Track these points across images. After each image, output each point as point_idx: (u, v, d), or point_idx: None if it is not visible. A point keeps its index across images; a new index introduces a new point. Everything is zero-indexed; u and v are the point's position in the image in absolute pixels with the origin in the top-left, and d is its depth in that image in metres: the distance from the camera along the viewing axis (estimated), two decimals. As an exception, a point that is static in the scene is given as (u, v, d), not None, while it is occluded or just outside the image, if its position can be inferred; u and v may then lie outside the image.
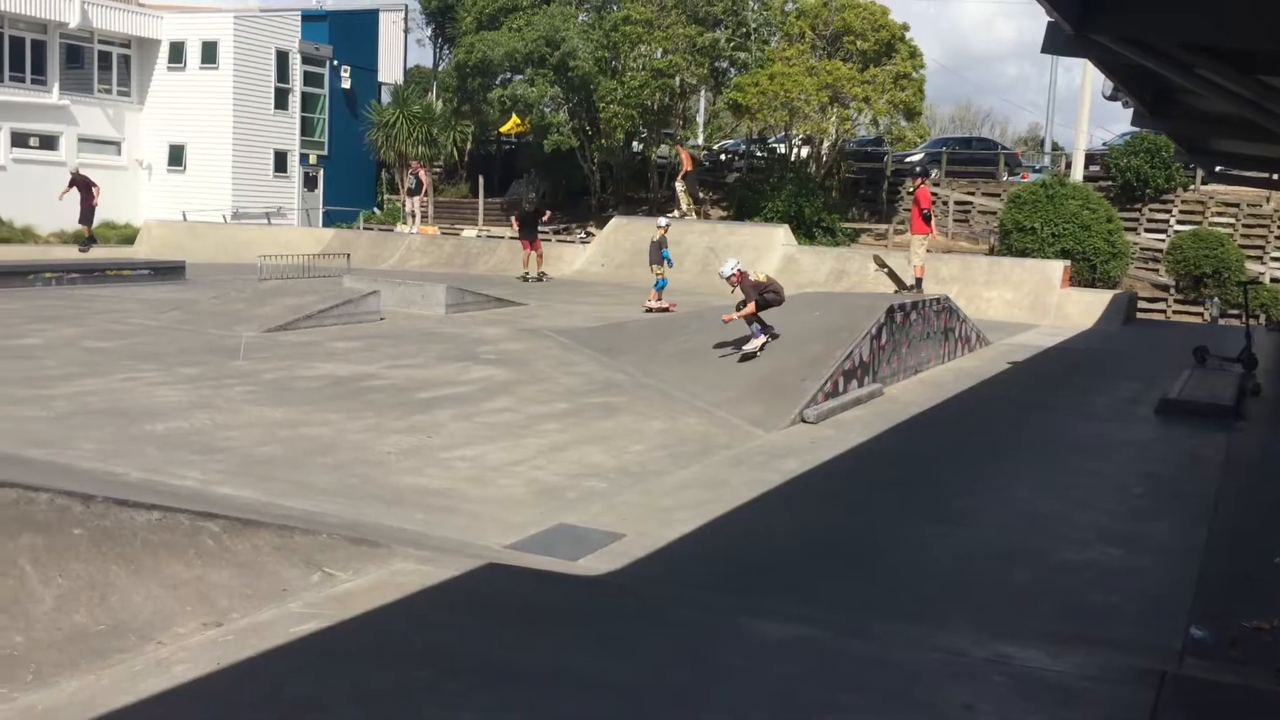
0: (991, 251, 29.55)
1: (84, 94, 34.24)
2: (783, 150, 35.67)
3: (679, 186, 30.16)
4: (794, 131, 33.37)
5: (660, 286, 19.73)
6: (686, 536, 6.96)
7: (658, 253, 20.16)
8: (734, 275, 12.27)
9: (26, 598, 4.29)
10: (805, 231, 29.96)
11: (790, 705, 4.16)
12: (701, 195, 30.47)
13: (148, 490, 6.40)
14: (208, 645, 4.40)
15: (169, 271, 22.72)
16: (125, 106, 35.51)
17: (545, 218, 25.14)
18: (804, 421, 10.61)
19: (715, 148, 40.40)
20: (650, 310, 18.80)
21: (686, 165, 29.72)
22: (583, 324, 16.66)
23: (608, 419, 10.41)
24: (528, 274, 24.13)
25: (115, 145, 35.26)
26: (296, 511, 6.72)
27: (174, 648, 4.35)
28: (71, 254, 25.69)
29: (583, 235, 31.87)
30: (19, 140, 32.22)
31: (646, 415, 10.66)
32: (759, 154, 37.12)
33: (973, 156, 38.61)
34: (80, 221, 27.94)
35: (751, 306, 12.04)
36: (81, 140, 33.98)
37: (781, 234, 26.49)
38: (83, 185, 26.93)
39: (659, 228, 21.02)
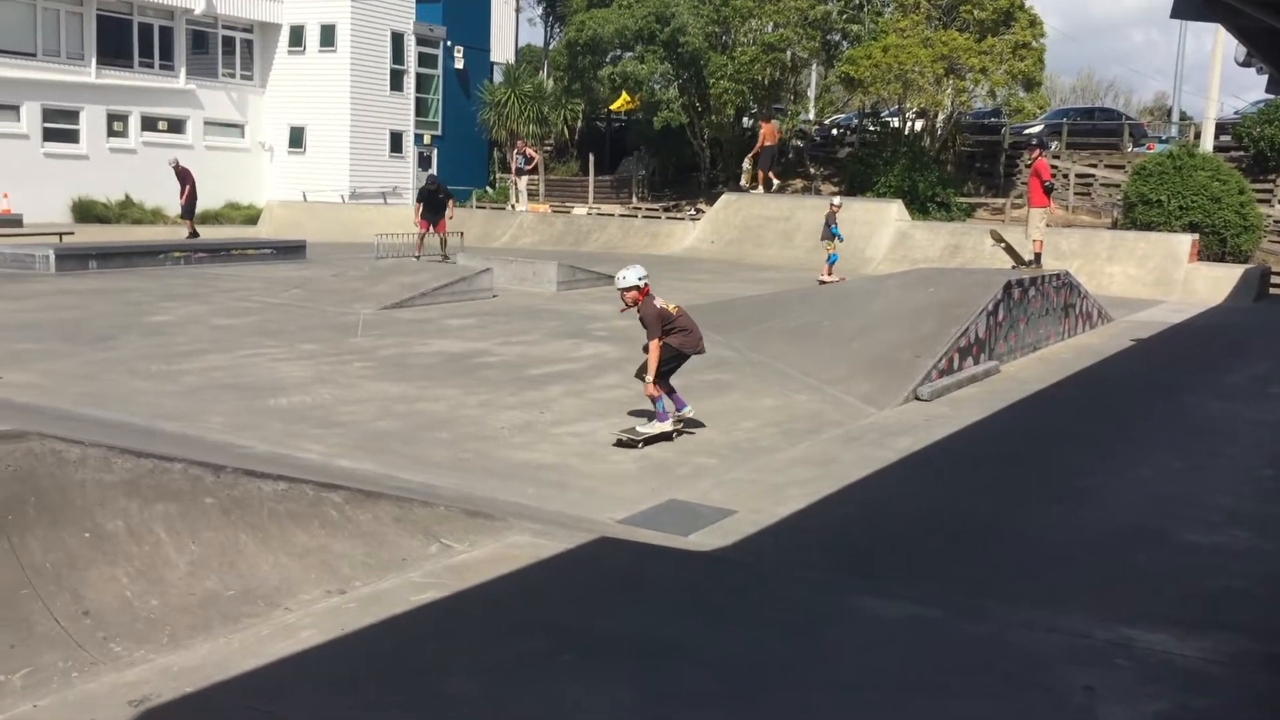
0: (1114, 225, 28.61)
1: (209, 78, 35.30)
2: (896, 124, 35.03)
3: (745, 165, 29.92)
4: (908, 104, 32.73)
5: (831, 261, 20.61)
6: (798, 513, 6.92)
7: (827, 229, 20.88)
8: (630, 292, 8.46)
9: (162, 563, 4.48)
10: (919, 207, 29.40)
11: (903, 685, 4.12)
12: (773, 177, 29.96)
13: (272, 462, 6.61)
14: (332, 612, 4.54)
15: (290, 250, 23.35)
16: (248, 90, 36.53)
17: (451, 205, 22.26)
18: (918, 399, 10.45)
19: (826, 122, 39.89)
20: (822, 284, 19.20)
21: (765, 140, 29.43)
22: (693, 301, 16.62)
23: (718, 396, 10.39)
24: (418, 256, 21.73)
25: (239, 128, 36.31)
26: (414, 484, 6.87)
27: (300, 613, 4.50)
28: (201, 233, 26.40)
29: (692, 212, 31.77)
30: (148, 124, 33.39)
31: (757, 392, 10.62)
32: (871, 128, 36.49)
33: (1095, 127, 37.39)
34: (183, 216, 26.40)
35: (655, 346, 8.37)
36: (207, 124, 35.07)
37: (895, 209, 26.07)
38: (182, 176, 25.50)
39: (831, 205, 21.51)
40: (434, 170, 22.40)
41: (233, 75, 36.26)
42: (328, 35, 36.10)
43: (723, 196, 29.39)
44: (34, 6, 30.62)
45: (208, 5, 34.17)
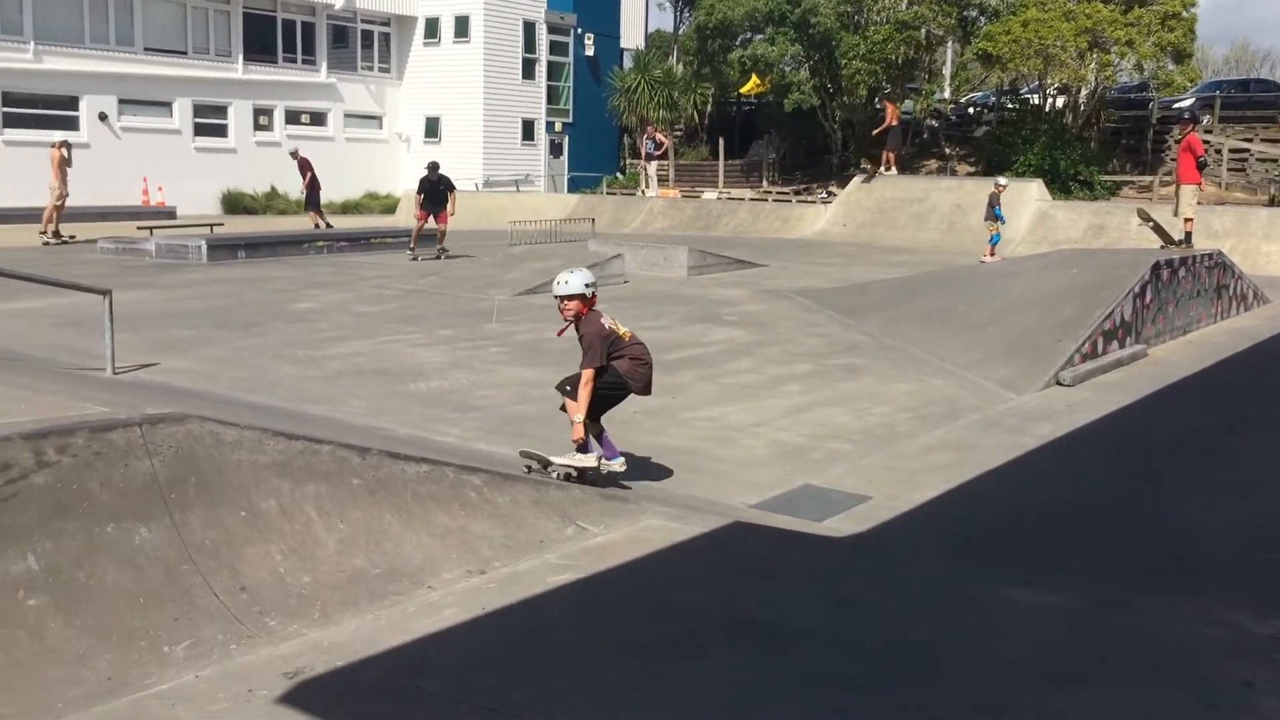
0: (1272, 202, 27.27)
1: (348, 72, 36.32)
2: (1035, 101, 34.00)
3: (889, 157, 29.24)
4: (1048, 80, 31.73)
5: (994, 242, 20.45)
6: (934, 500, 6.81)
7: (990, 210, 20.69)
8: (572, 301, 6.79)
9: (313, 542, 4.65)
10: (1060, 186, 28.52)
11: (1047, 675, 4.02)
12: (893, 159, 29.27)
13: (413, 444, 6.78)
14: (473, 591, 4.65)
15: (426, 240, 23.87)
16: (386, 82, 37.46)
17: (452, 196, 20.42)
18: (1059, 384, 10.15)
19: (962, 100, 38.94)
20: (983, 264, 18.95)
21: (890, 120, 28.80)
22: (824, 285, 16.48)
23: (851, 380, 10.28)
24: (413, 249, 20.46)
25: (377, 120, 37.28)
26: (549, 467, 6.97)
27: (442, 592, 4.62)
28: (340, 224, 27.19)
29: (824, 195, 31.41)
30: (292, 118, 34.53)
31: (891, 377, 10.46)
32: (1010, 105, 35.51)
33: (1250, 100, 35.62)
34: (306, 207, 26.02)
35: (588, 376, 6.62)
36: (347, 116, 36.11)
37: (1035, 189, 25.32)
38: (302, 166, 25.22)
39: (996, 185, 21.28)
40: (437, 160, 20.60)
41: (371, 68, 37.23)
42: (462, 26, 36.75)
43: (855, 179, 29.00)
44: (184, 6, 31.94)
45: (347, 1, 35.13)
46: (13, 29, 27.98)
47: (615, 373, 6.79)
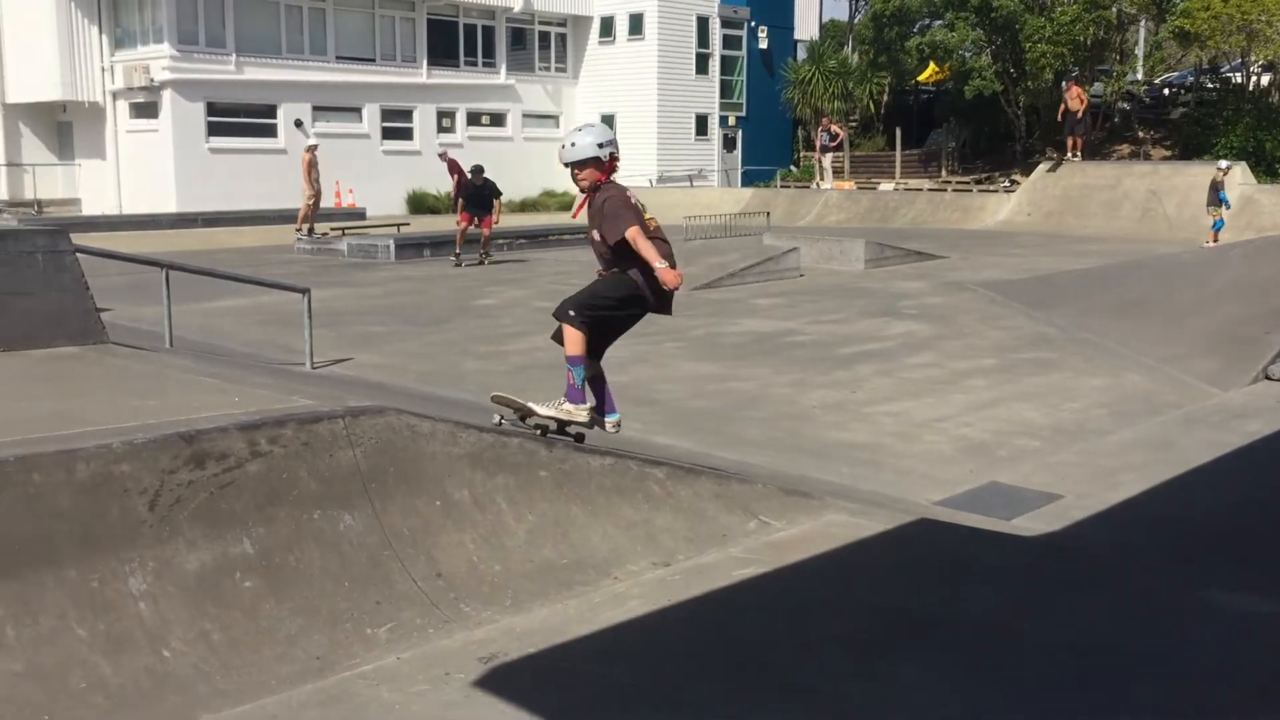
0: None
1: (526, 72, 37.12)
2: (1238, 80, 32.10)
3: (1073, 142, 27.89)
4: (1252, 58, 29.92)
5: (1218, 228, 19.90)
6: (1132, 499, 6.53)
7: (1215, 195, 20.20)
8: (587, 169, 5.54)
9: (503, 531, 4.79)
10: (1265, 169, 26.86)
11: (1259, 690, 3.80)
12: (1076, 144, 27.83)
13: (594, 438, 6.89)
14: (657, 583, 4.70)
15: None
16: (562, 82, 38.13)
17: (497, 204, 19.79)
18: (1269, 379, 9.58)
19: (1156, 82, 37.10)
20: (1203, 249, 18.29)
21: (1071, 105, 27.37)
22: (1008, 276, 15.99)
23: (1039, 375, 9.94)
24: (459, 255, 19.67)
25: (554, 119, 37.98)
26: (728, 462, 6.98)
27: (628, 583, 4.69)
28: (519, 222, 27.74)
29: (1006, 184, 30.42)
30: (473, 119, 35.53)
31: (1082, 371, 10.07)
32: (1209, 85, 33.63)
33: None
34: (454, 208, 25.37)
35: (636, 232, 5.36)
36: (525, 116, 36.92)
37: (1237, 173, 23.93)
38: (451, 168, 25.28)
39: (1219, 169, 20.70)
40: (481, 163, 19.72)
41: (548, 68, 37.95)
42: (636, 24, 37.08)
43: (1040, 166, 27.99)
44: (373, 15, 33.24)
45: (525, 3, 35.91)
46: (216, 42, 29.66)
47: (630, 283, 5.45)
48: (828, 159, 32.57)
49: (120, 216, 27.67)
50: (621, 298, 5.54)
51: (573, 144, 5.49)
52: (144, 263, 10.39)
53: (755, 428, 8.33)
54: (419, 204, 33.00)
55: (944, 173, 34.54)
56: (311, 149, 23.91)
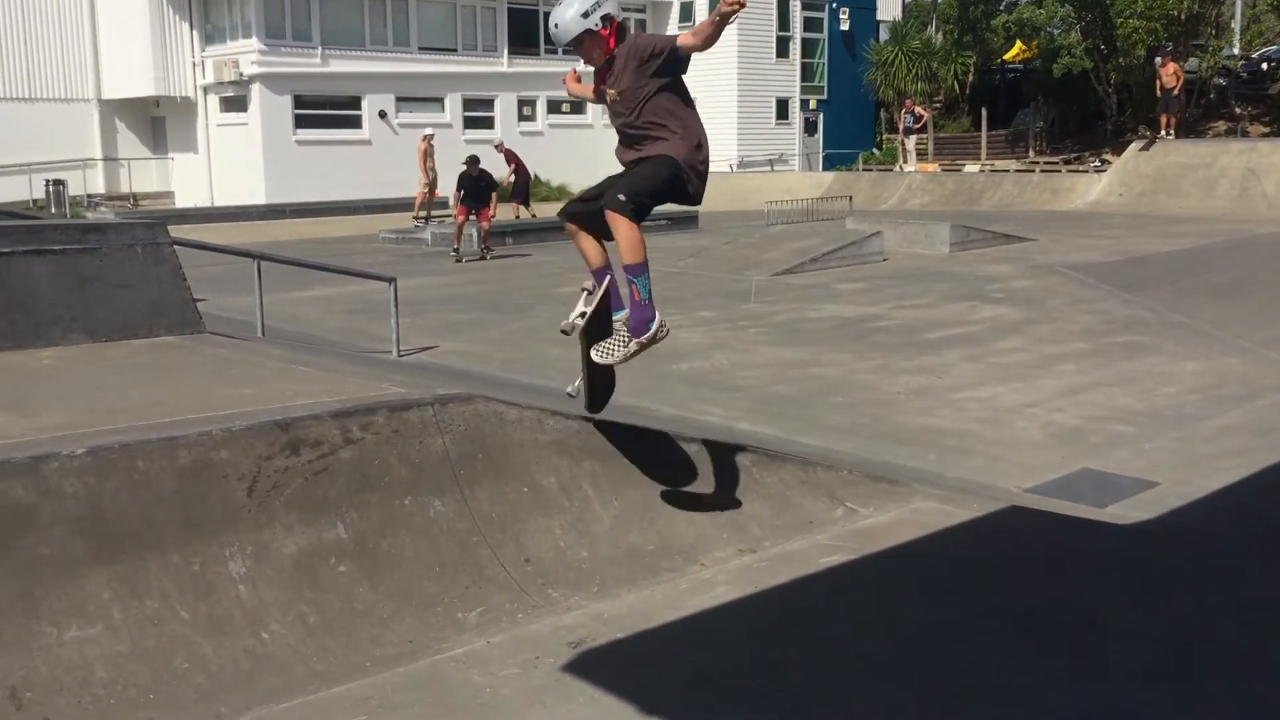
0: None
1: (606, 60, 37.17)
2: (1342, 51, 30.98)
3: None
4: (1355, 28, 28.84)
5: None
6: (1232, 487, 6.35)
7: None
8: (586, 45, 4.81)
9: (590, 517, 4.82)
10: (1371, 144, 25.87)
11: (1372, 681, 3.69)
12: (1170, 121, 26.90)
13: (677, 424, 6.90)
14: (744, 570, 4.70)
15: (683, 221, 24.16)
16: (642, 68, 38.10)
17: (495, 200, 19.45)
18: (1374, 362, 9.26)
19: (1254, 56, 35.89)
20: None
21: (1166, 81, 26.51)
22: (1099, 258, 15.63)
23: (1132, 359, 9.71)
24: (458, 250, 19.03)
25: (633, 105, 37.97)
26: (812, 448, 6.94)
27: (714, 570, 4.69)
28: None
29: (1096, 164, 29.68)
30: (553, 107, 35.65)
31: (1178, 355, 9.82)
32: (1309, 58, 32.49)
33: None
34: (512, 197, 25.91)
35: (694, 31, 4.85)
36: (605, 103, 36.98)
37: (1340, 148, 23.13)
38: (508, 158, 25.40)
39: None
40: (476, 154, 19.16)
41: (628, 55, 37.93)
42: (715, 8, 36.90)
43: (1132, 145, 27.29)
44: (454, 6, 33.53)
45: (605, -11, 35.93)
46: (302, 36, 30.17)
47: (673, 164, 4.63)
48: (911, 141, 32.10)
49: (212, 209, 28.32)
50: (665, 181, 4.68)
51: (555, 25, 4.65)
52: (236, 254, 10.64)
53: (839, 414, 8.27)
54: (501, 192, 33.25)
55: (1031, 153, 33.82)
56: (428, 138, 24.82)
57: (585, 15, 4.57)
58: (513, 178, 26.42)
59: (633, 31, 4.74)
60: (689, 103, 4.80)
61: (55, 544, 3.75)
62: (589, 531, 4.76)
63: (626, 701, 3.56)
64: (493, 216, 19.52)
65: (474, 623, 4.14)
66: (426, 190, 24.72)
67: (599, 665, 3.82)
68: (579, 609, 4.29)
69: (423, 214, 24.67)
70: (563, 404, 5.56)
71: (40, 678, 3.50)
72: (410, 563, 4.28)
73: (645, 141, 4.75)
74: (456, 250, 19.06)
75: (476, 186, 19.11)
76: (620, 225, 4.62)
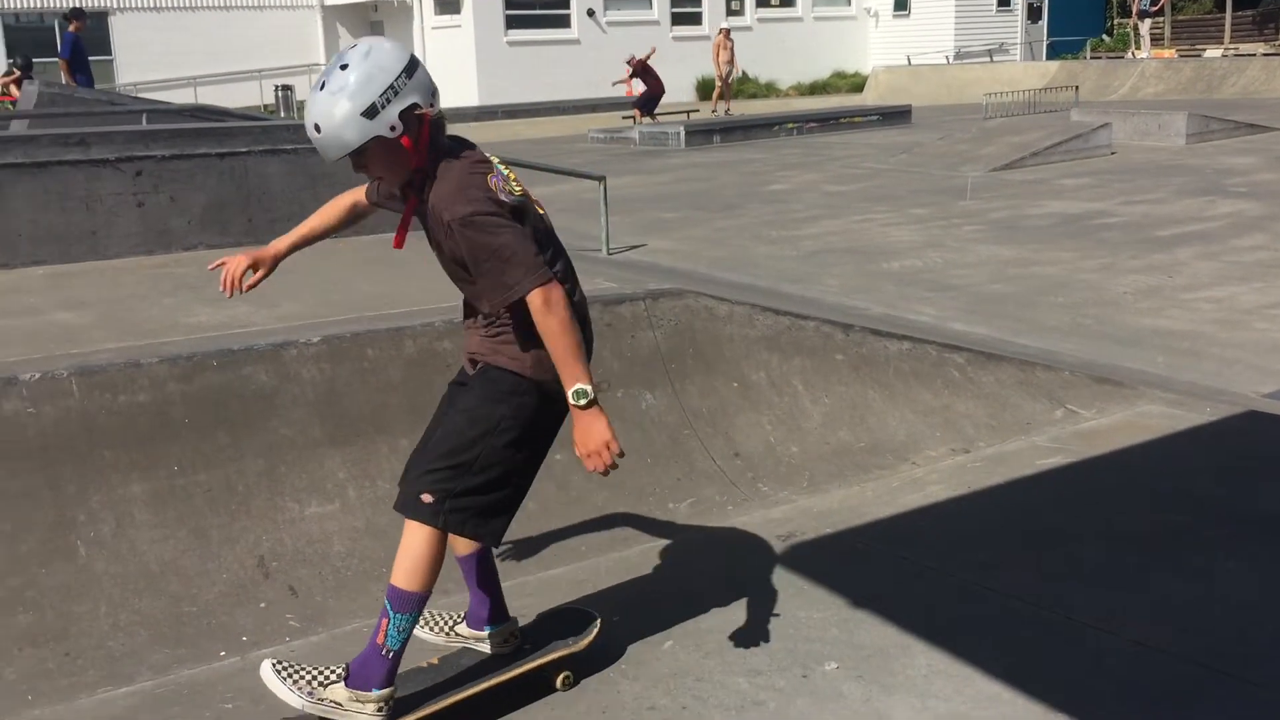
0: None
1: (816, -51, 35.97)
2: None
3: None
4: None
5: None
6: None
7: None
8: (367, 159, 2.72)
9: (799, 414, 4.82)
10: None
11: None
12: None
13: (889, 323, 6.77)
14: (957, 469, 4.61)
15: (895, 116, 23.41)
16: (854, -43, 36.75)
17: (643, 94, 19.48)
18: None
19: None
20: None
21: None
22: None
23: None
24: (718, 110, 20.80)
25: (845, -3, 36.78)
26: (1031, 349, 6.70)
27: (926, 469, 4.63)
28: (810, 104, 27.34)
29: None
30: (762, 1, 34.89)
31: None
32: None
33: None
34: (636, 106, 24.92)
35: (541, 298, 2.80)
36: (816, -4, 35.92)
37: None
38: (642, 71, 24.49)
39: None
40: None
41: (840, -57, 36.64)
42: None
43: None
44: (663, -100, 33.05)
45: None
46: (507, -64, 30.42)
47: (517, 387, 2.99)
48: (1146, 25, 29.94)
49: (429, 111, 29.14)
50: (509, 432, 2.92)
51: (316, 127, 2.66)
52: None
53: (1060, 314, 7.93)
54: (708, 90, 32.91)
55: (1282, 35, 31.09)
56: (724, 31, 25.93)
57: (369, 116, 2.63)
58: (638, 91, 25.24)
59: (465, 164, 2.82)
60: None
61: (295, 426, 4.01)
62: (799, 427, 4.76)
63: (837, 594, 3.58)
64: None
65: (685, 513, 4.22)
66: (724, 82, 26.24)
67: (810, 558, 3.85)
68: (788, 503, 4.31)
69: (722, 106, 26.19)
70: (765, 300, 5.53)
71: (285, 549, 3.78)
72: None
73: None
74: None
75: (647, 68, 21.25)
76: (410, 529, 2.92)
